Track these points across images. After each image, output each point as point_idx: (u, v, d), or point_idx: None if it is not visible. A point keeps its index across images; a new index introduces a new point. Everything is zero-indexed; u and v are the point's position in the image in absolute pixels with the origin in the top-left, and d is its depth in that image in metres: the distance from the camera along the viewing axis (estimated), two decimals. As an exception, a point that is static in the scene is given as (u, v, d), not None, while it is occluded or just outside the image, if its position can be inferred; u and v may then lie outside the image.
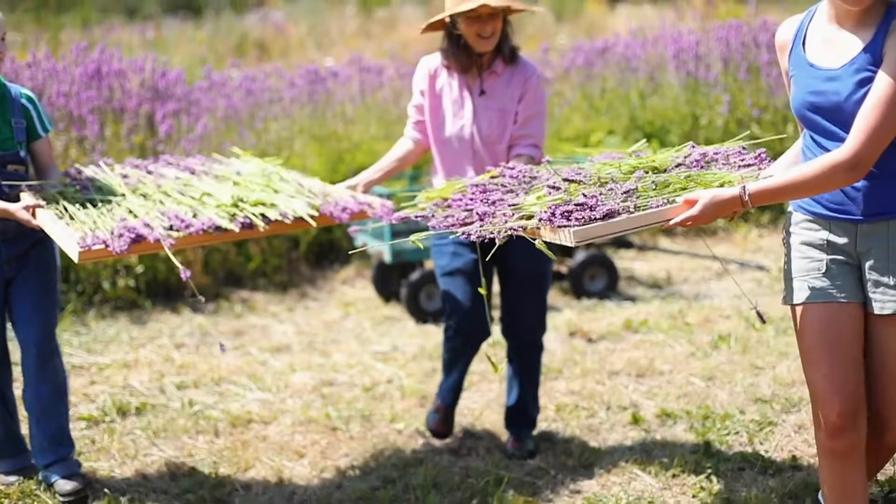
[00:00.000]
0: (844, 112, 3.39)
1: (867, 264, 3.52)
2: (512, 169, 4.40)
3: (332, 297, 8.47)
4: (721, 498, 4.72)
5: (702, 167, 3.85)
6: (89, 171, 5.08)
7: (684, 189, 3.64)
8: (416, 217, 4.42)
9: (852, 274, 3.56)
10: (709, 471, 4.98)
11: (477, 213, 3.96)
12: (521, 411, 5.43)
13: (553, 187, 3.83)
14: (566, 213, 3.54)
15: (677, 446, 5.30)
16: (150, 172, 5.17)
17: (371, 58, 12.83)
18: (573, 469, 5.16)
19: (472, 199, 4.18)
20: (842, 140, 3.39)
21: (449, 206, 4.28)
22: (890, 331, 3.54)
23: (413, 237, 4.10)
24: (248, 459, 5.33)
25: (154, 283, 8.16)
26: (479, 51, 5.01)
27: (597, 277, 8.13)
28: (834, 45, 3.47)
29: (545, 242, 3.67)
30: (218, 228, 4.49)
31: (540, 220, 3.64)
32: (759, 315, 3.83)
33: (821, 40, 3.51)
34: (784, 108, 10.53)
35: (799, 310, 3.63)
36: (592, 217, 3.49)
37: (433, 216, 4.25)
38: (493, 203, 4.03)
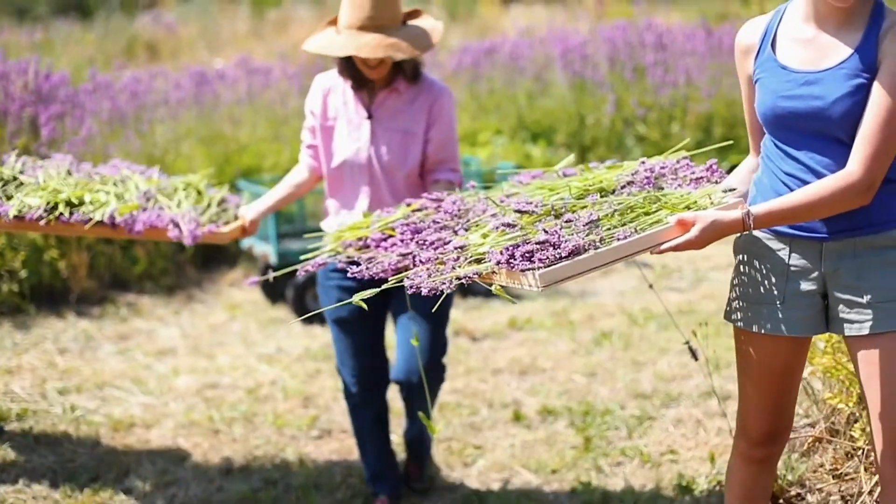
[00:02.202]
0: (827, 119, 3.15)
1: (835, 286, 3.24)
2: (438, 200, 3.93)
3: (219, 300, 8.42)
4: (600, 492, 4.80)
5: (651, 184, 3.45)
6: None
7: (648, 215, 3.22)
8: (341, 263, 3.94)
9: (811, 307, 3.29)
10: (588, 466, 5.07)
11: (420, 261, 3.43)
12: (423, 437, 5.05)
13: (508, 225, 3.26)
14: (527, 254, 3.07)
15: (558, 442, 5.38)
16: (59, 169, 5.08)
17: (262, 59, 12.79)
18: (454, 467, 5.21)
19: (402, 241, 3.69)
20: (815, 150, 3.19)
21: (367, 247, 3.88)
22: (870, 351, 3.22)
23: (357, 297, 3.35)
24: (129, 463, 5.30)
25: (38, 288, 8.05)
26: (368, 77, 4.54)
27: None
28: (813, 47, 3.22)
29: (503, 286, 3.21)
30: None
31: (498, 263, 3.13)
32: (693, 352, 3.74)
33: (795, 41, 3.27)
34: (669, 106, 10.69)
35: (742, 333, 3.43)
36: (558, 255, 3.02)
37: (361, 264, 3.64)
38: (432, 244, 3.50)
